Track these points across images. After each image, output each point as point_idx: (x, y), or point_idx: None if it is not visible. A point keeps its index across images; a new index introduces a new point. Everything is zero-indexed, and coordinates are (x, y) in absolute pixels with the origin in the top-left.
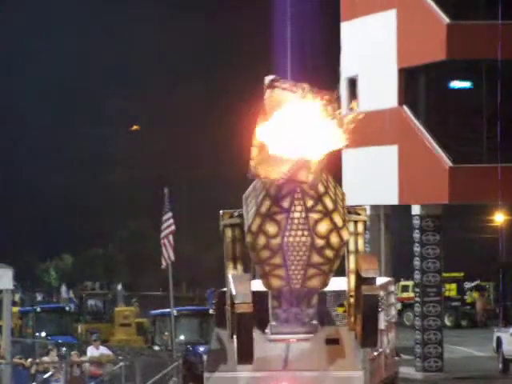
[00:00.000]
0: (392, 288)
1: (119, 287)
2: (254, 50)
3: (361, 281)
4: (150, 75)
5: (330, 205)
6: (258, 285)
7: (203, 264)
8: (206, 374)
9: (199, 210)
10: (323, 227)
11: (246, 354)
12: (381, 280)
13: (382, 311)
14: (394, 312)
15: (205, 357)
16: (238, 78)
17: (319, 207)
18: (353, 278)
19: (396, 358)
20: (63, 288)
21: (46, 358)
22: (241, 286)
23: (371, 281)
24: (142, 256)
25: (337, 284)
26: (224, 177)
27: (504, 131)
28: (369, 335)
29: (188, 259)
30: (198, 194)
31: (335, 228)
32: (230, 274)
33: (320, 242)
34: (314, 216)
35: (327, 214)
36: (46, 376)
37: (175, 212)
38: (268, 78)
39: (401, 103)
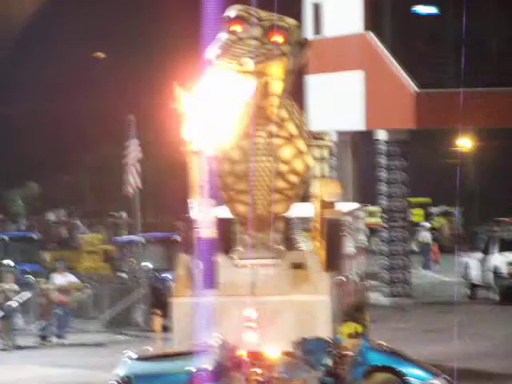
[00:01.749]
0: (360, 214)
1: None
2: None
3: (324, 205)
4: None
5: (293, 130)
6: (223, 211)
7: (170, 191)
8: (172, 300)
9: (166, 136)
10: (287, 152)
11: (210, 279)
12: (348, 205)
13: (350, 236)
14: (362, 238)
15: (171, 283)
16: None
17: (283, 133)
18: (317, 203)
19: (365, 283)
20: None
21: (4, 285)
22: (204, 211)
23: (334, 205)
24: (108, 183)
25: (303, 209)
26: None
27: (470, 56)
28: (332, 259)
29: (154, 186)
30: (166, 121)
31: (299, 153)
32: (195, 200)
33: (284, 168)
34: (278, 141)
35: (291, 139)
36: (9, 304)
37: (141, 140)
38: (235, 5)
39: (366, 28)
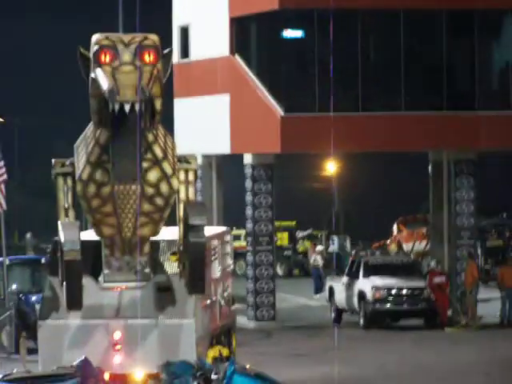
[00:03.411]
0: (227, 237)
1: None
2: None
3: (188, 228)
4: None
5: (159, 153)
6: (91, 234)
7: (37, 213)
8: (38, 322)
9: (33, 157)
10: (153, 176)
11: (74, 301)
12: (216, 229)
13: (217, 260)
14: (229, 261)
15: (37, 306)
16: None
17: (149, 156)
18: (181, 226)
19: (232, 306)
20: None
21: None
22: (69, 234)
23: (198, 228)
24: None
25: (170, 232)
26: (59, 124)
27: (336, 80)
28: (196, 282)
29: (21, 208)
30: (33, 142)
31: (165, 177)
32: (61, 222)
33: (150, 191)
34: (144, 164)
35: (157, 162)
36: None
37: (8, 160)
38: (95, 37)
39: (233, 52)
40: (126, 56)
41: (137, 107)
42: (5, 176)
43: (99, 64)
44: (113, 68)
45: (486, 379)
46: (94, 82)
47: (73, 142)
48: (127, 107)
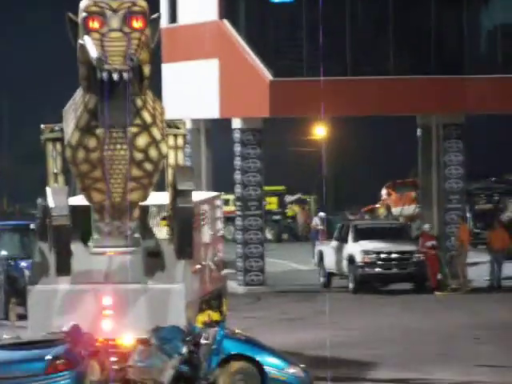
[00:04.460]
0: (218, 202)
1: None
2: None
3: (177, 193)
4: None
5: (148, 118)
6: (79, 199)
7: (25, 178)
8: (28, 287)
9: (21, 122)
10: (142, 141)
11: (63, 267)
12: (206, 194)
13: (206, 225)
14: (220, 226)
15: (27, 271)
16: None
17: (137, 121)
18: (170, 191)
19: (224, 271)
20: None
21: None
22: (57, 199)
23: (186, 193)
24: None
25: (160, 197)
26: (47, 89)
27: (324, 44)
28: (184, 247)
29: (8, 174)
30: (21, 106)
31: (154, 142)
32: (50, 188)
33: (139, 156)
34: (133, 129)
35: (145, 127)
36: None
37: None
38: (84, 3)
39: (221, 17)
40: (115, 22)
41: (125, 75)
42: None
43: (87, 30)
44: (101, 34)
45: (475, 343)
46: (82, 48)
47: (61, 107)
48: (116, 75)
